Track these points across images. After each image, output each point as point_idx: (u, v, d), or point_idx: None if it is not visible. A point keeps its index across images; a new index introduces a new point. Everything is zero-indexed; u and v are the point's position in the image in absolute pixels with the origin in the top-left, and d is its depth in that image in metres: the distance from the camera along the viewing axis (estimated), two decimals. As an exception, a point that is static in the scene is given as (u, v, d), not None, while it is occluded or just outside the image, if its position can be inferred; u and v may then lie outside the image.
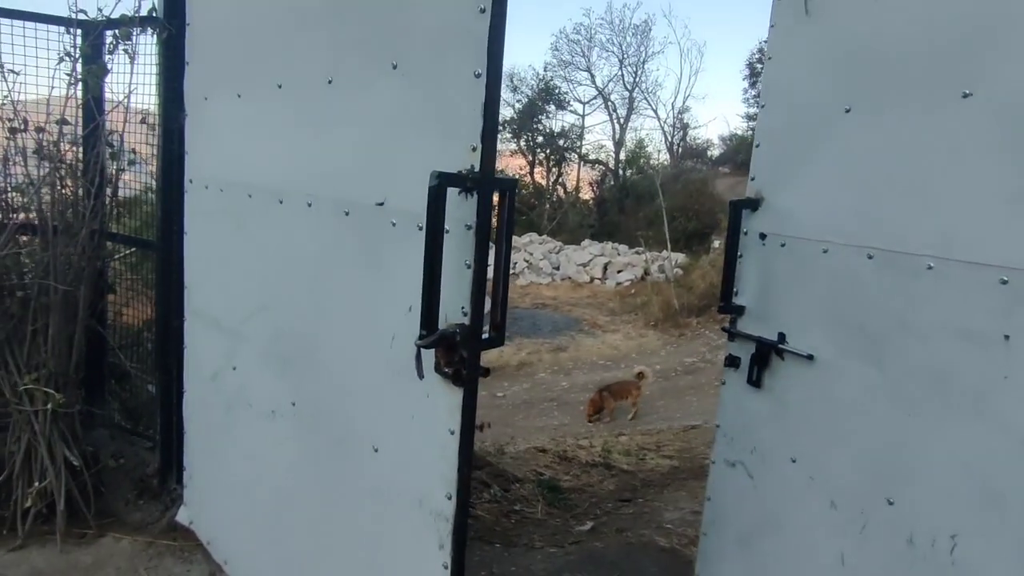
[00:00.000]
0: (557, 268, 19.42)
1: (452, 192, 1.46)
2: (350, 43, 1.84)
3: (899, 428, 1.72)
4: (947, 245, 1.62)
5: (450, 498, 1.56)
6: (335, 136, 1.88)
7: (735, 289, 2.24)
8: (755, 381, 2.14)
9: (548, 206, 26.62)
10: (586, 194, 28.86)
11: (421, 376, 1.51)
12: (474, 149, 1.44)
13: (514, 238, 21.80)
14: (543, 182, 28.70)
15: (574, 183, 29.33)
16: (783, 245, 2.07)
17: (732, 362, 2.24)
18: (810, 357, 1.96)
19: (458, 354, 1.49)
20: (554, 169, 29.18)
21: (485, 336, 1.57)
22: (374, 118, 1.74)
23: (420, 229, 1.53)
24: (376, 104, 1.73)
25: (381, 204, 1.70)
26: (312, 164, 1.96)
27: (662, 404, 10.43)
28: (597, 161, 29.60)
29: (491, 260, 1.51)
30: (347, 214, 1.83)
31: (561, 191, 28.89)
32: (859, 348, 1.82)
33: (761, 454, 2.14)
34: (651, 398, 10.71)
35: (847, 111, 1.88)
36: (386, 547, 1.78)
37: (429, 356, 1.54)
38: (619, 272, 18.90)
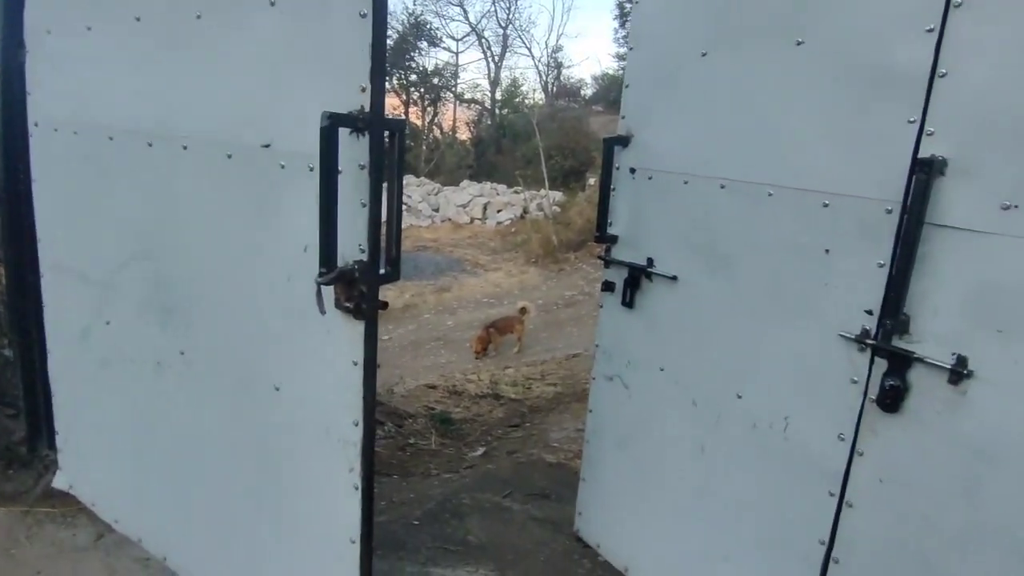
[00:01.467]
0: (437, 210, 19.32)
1: (343, 133, 1.49)
2: (218, -26, 1.76)
3: (746, 332, 2.01)
4: (783, 175, 1.89)
5: (357, 424, 1.66)
6: (210, 75, 1.81)
7: (609, 220, 2.44)
8: (628, 302, 2.38)
9: (425, 147, 26.13)
10: (463, 134, 28.60)
11: (323, 312, 1.56)
12: (363, 90, 1.47)
13: (391, 180, 21.35)
14: (419, 123, 28.02)
15: (450, 123, 28.91)
16: (650, 178, 2.28)
17: (608, 287, 2.47)
18: (674, 278, 2.22)
19: (357, 289, 1.56)
20: (429, 109, 28.54)
21: (382, 271, 1.64)
22: (253, 57, 1.69)
23: (312, 170, 1.55)
24: (254, 42, 1.68)
25: (267, 146, 1.68)
26: (186, 106, 1.87)
27: (545, 336, 10.95)
28: (473, 101, 29.29)
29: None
30: (230, 157, 1.79)
31: (438, 132, 28.41)
32: (713, 267, 2.09)
33: (634, 366, 2.41)
34: (534, 331, 11.19)
35: (703, 55, 2.07)
36: (298, 477, 1.85)
37: (329, 293, 1.59)
38: (499, 212, 19.14)
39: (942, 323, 1.57)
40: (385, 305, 1.65)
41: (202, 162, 1.87)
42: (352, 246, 1.56)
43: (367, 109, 1.46)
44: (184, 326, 2.06)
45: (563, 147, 20.81)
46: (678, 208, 2.19)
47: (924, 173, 1.53)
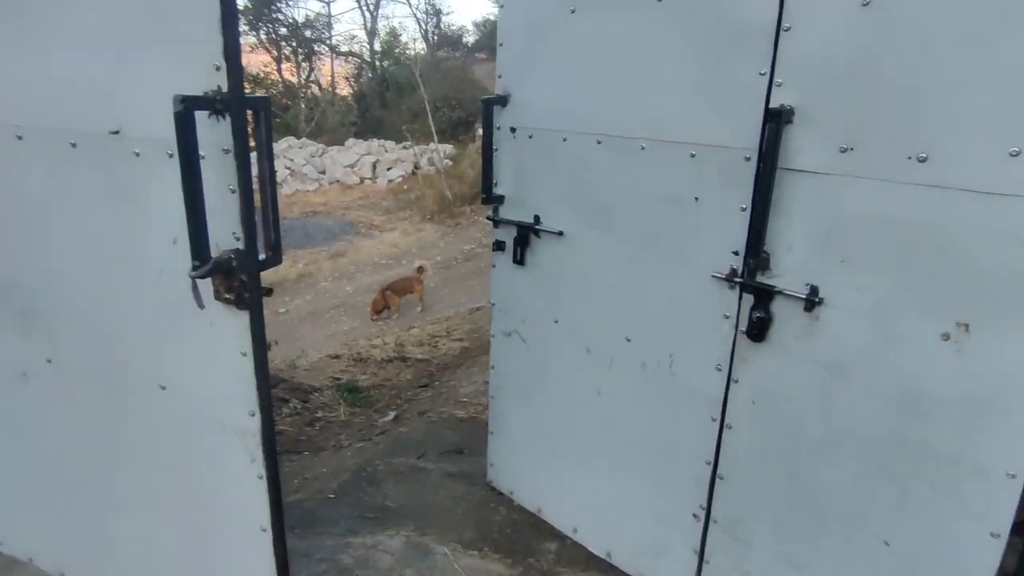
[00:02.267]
0: (323, 172, 18.50)
1: (202, 115, 1.40)
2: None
3: (629, 280, 2.13)
4: (654, 128, 1.97)
5: (253, 415, 1.62)
6: (41, 56, 1.63)
7: (495, 180, 2.46)
8: (519, 260, 2.44)
9: (304, 106, 24.72)
10: (344, 90, 27.26)
11: (201, 306, 1.50)
12: (218, 68, 1.38)
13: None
14: (294, 80, 26.39)
15: (329, 79, 27.45)
16: (531, 137, 2.31)
17: (499, 246, 2.51)
18: (560, 233, 2.29)
19: (237, 279, 1.50)
20: (304, 64, 26.89)
21: (262, 257, 1.59)
22: (94, 34, 1.53)
23: (171, 157, 1.45)
24: (90, 18, 1.52)
25: (116, 133, 1.55)
26: (15, 89, 1.68)
27: (447, 292, 10.96)
28: (351, 53, 27.84)
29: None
30: (74, 146, 1.63)
31: (316, 88, 26.91)
32: (596, 220, 2.18)
33: (530, 321, 2.49)
34: (436, 288, 11.17)
35: (572, 12, 2.10)
36: (198, 474, 1.79)
37: (207, 285, 1.52)
38: (389, 169, 18.63)
39: (796, 258, 1.73)
40: (269, 291, 1.60)
41: (40, 152, 1.69)
42: (225, 234, 1.49)
43: (224, 89, 1.38)
44: (47, 332, 1.90)
45: (449, 98, 20.39)
46: (559, 165, 2.25)
47: (775, 122, 1.66)
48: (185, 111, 1.31)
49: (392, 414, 4.59)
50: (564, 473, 2.54)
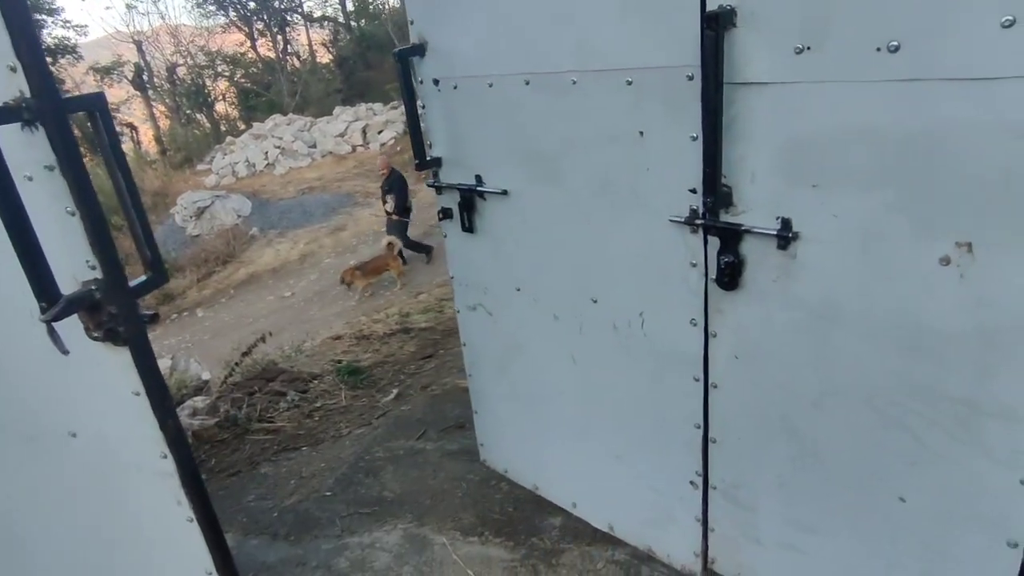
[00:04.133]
0: (314, 146, 18.11)
1: (14, 129, 1.17)
2: None
3: (584, 236, 1.88)
4: (584, 58, 1.68)
5: (165, 456, 1.44)
6: None
7: (428, 142, 2.20)
8: (469, 227, 2.20)
9: (285, 80, 24.13)
10: (324, 58, 26.50)
11: (64, 351, 1.30)
12: (13, 70, 1.13)
13: (257, 125, 19.71)
14: (271, 55, 25.68)
15: (307, 48, 26.67)
16: (455, 87, 2.03)
17: (446, 214, 2.26)
18: (505, 192, 2.03)
19: (106, 312, 1.29)
20: (279, 37, 26.10)
21: (140, 279, 1.37)
22: None
23: (-7, 183, 1.23)
24: None
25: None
26: None
27: (451, 253, 10.75)
28: (324, 18, 26.91)
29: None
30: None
31: (295, 60, 26.19)
32: (539, 173, 1.91)
33: (492, 292, 2.26)
34: (438, 250, 10.96)
35: (473, -68, 1.78)
36: (130, 522, 1.64)
37: (74, 324, 1.32)
38: (380, 133, 18.17)
39: (761, 189, 1.47)
40: (154, 317, 1.39)
41: None
42: (78, 264, 1.27)
43: (27, 94, 1.13)
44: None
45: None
46: (491, 115, 1.97)
47: (713, 29, 1.36)
48: (-25, 130, 1.08)
49: (394, 391, 4.45)
50: (553, 447, 2.36)
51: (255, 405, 4.27)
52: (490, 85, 1.92)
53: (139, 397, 1.39)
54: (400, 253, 9.72)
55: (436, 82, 2.07)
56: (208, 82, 25.24)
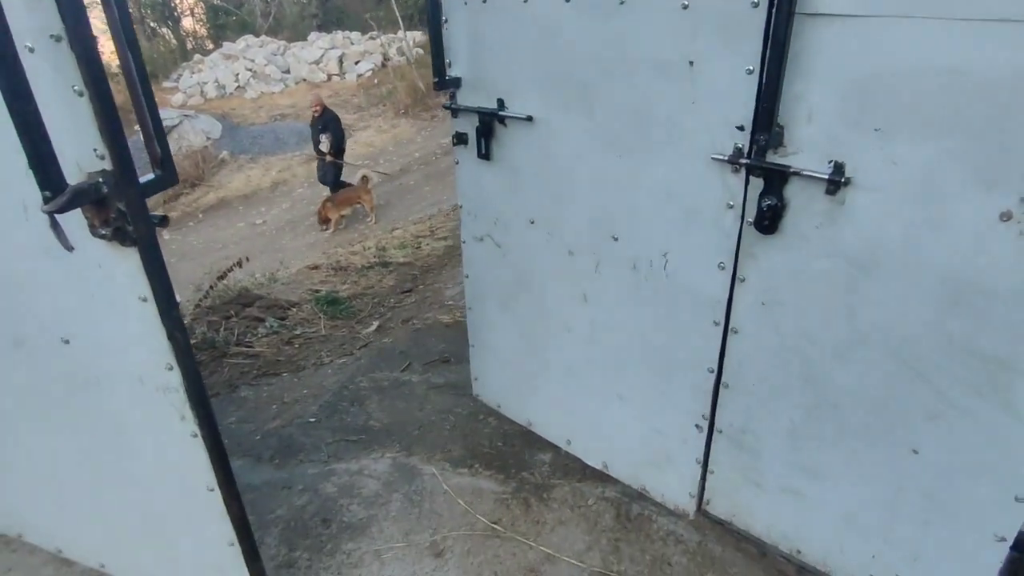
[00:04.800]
0: (287, 72, 17.26)
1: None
2: None
3: (613, 170, 1.80)
4: (633, -26, 1.57)
5: (171, 368, 1.35)
6: None
7: (448, 60, 2.06)
8: (485, 154, 2.09)
9: (258, 0, 22.74)
10: (299, -25, 24.99)
11: (69, 248, 1.18)
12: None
13: (228, 44, 18.65)
14: (244, -34, 24.09)
15: (281, -37, 25.07)
16: (485, 1, 1.89)
17: (460, 139, 2.15)
18: (529, 119, 1.92)
19: (114, 208, 1.18)
20: (252, -53, 24.44)
21: (148, 177, 1.25)
22: None
23: None
24: None
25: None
26: None
27: (428, 190, 10.52)
28: (301, -68, 25.25)
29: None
30: None
31: (269, -25, 24.65)
32: (570, 99, 1.81)
33: (503, 224, 2.18)
34: (416, 186, 10.73)
35: None
36: (130, 435, 1.55)
37: (77, 219, 1.20)
38: (357, 63, 17.39)
39: (817, 129, 1.40)
40: (164, 220, 1.28)
41: None
42: (84, 152, 1.14)
43: (34, -55, 0.98)
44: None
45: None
46: (522, 34, 1.84)
47: (790, -51, 1.27)
48: (-26, -19, 0.93)
49: (375, 324, 4.37)
50: (552, 385, 2.33)
51: (232, 329, 4.14)
52: (525, 1, 1.78)
53: (146, 303, 1.28)
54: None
55: (464, -7, 1.92)
56: (174, -8, 23.64)
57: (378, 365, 3.56)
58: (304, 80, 16.88)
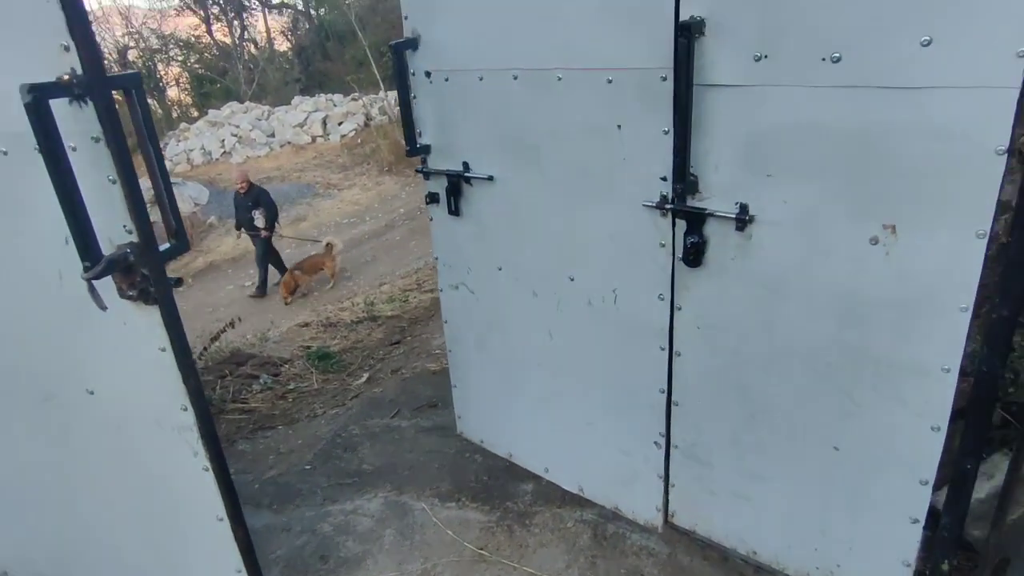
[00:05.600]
0: (272, 135, 17.83)
1: (63, 103, 1.28)
2: None
3: (565, 219, 2.07)
4: (569, 57, 1.87)
5: (186, 409, 1.57)
6: None
7: (418, 130, 2.35)
8: (455, 210, 2.36)
9: (242, 67, 23.61)
10: (281, 46, 26.02)
11: (103, 307, 1.42)
12: (67, 49, 1.25)
13: (214, 112, 19.29)
14: (227, 40, 25.08)
15: (264, 35, 26.14)
16: (447, 80, 2.19)
17: (433, 198, 2.43)
18: (490, 178, 2.21)
19: (138, 273, 1.42)
20: (236, 22, 25.50)
21: (165, 246, 1.50)
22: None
23: (38, 151, 1.34)
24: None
25: (-22, 131, 1.42)
26: None
27: (414, 244, 10.83)
28: (284, 5, 26.41)
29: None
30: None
31: (252, 47, 25.64)
32: (523, 160, 2.09)
33: (475, 272, 2.44)
34: (403, 240, 11.04)
35: (468, -62, 1.95)
36: (146, 472, 1.75)
37: (108, 284, 1.44)
38: (340, 124, 18.01)
39: (723, 177, 1.68)
40: (179, 282, 1.52)
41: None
42: (116, 228, 1.39)
43: (79, 71, 1.25)
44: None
45: (391, 41, 19.49)
46: (480, 107, 2.14)
47: (685, 36, 1.57)
48: (35, 101, 1.20)
49: (365, 375, 4.57)
50: (528, 416, 2.55)
51: (228, 387, 4.32)
52: (480, 79, 2.09)
53: (164, 353, 1.51)
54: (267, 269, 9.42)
55: (428, 74, 2.23)
56: (160, 66, 24.49)
57: (369, 414, 3.74)
58: (289, 143, 17.41)
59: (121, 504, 1.82)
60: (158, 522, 1.81)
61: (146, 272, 1.42)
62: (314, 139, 17.66)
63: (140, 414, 1.65)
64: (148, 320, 1.48)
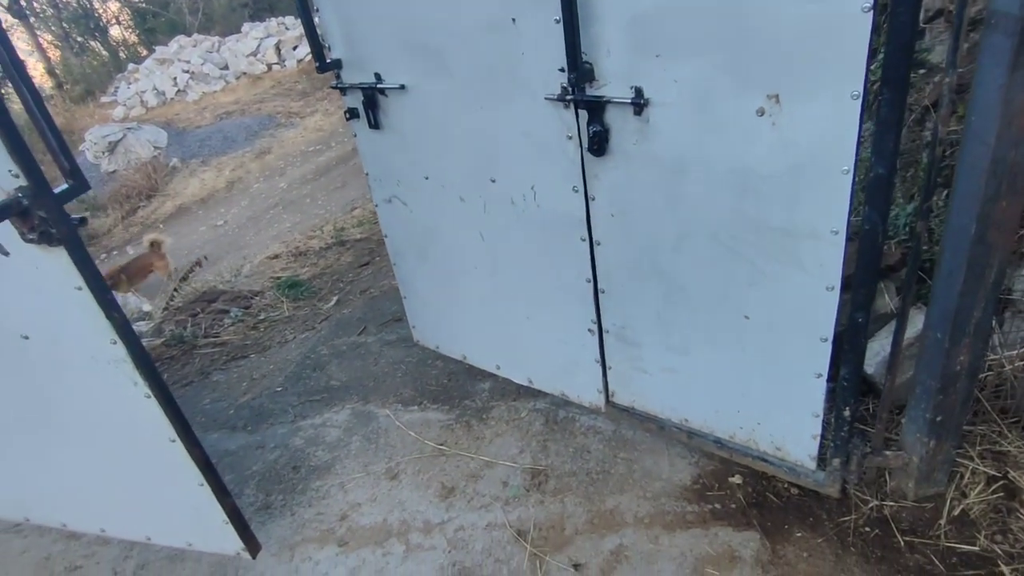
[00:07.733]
0: (226, 68, 17.05)
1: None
2: None
3: (478, 121, 2.06)
4: (458, -52, 1.81)
5: (115, 342, 1.64)
6: None
7: (326, 44, 2.29)
8: (375, 124, 2.35)
9: (184, -5, 22.20)
10: (222, -34, 24.34)
11: (5, 253, 1.45)
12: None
13: (161, 48, 18.35)
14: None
15: (201, -44, 24.38)
16: (344, -15, 2.12)
17: (352, 114, 2.40)
18: (403, 87, 2.18)
19: (36, 216, 1.44)
20: (169, -56, 23.73)
21: (63, 187, 1.51)
22: None
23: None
24: None
25: None
26: None
27: (382, 166, 10.64)
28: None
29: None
30: None
31: (191, -29, 24.00)
32: (431, 66, 2.06)
33: (404, 184, 2.45)
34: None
35: None
36: (98, 407, 1.84)
37: (8, 230, 1.46)
38: (295, 48, 17.19)
39: (616, 61, 1.68)
40: (83, 220, 1.54)
41: None
42: (2, 174, 1.40)
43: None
44: None
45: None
46: (383, 12, 2.08)
47: (560, -85, 1.52)
48: None
49: (334, 299, 4.65)
50: (474, 318, 2.64)
51: (200, 324, 4.41)
52: (377, -19, 2.02)
53: (81, 292, 1.56)
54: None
55: (325, -18, 2.15)
56: (97, 4, 23.02)
57: (337, 333, 3.85)
58: (244, 74, 16.70)
59: (76, 441, 1.93)
60: (114, 454, 1.92)
61: (43, 215, 1.44)
62: (270, 67, 16.91)
63: (75, 353, 1.71)
64: (58, 261, 1.52)
